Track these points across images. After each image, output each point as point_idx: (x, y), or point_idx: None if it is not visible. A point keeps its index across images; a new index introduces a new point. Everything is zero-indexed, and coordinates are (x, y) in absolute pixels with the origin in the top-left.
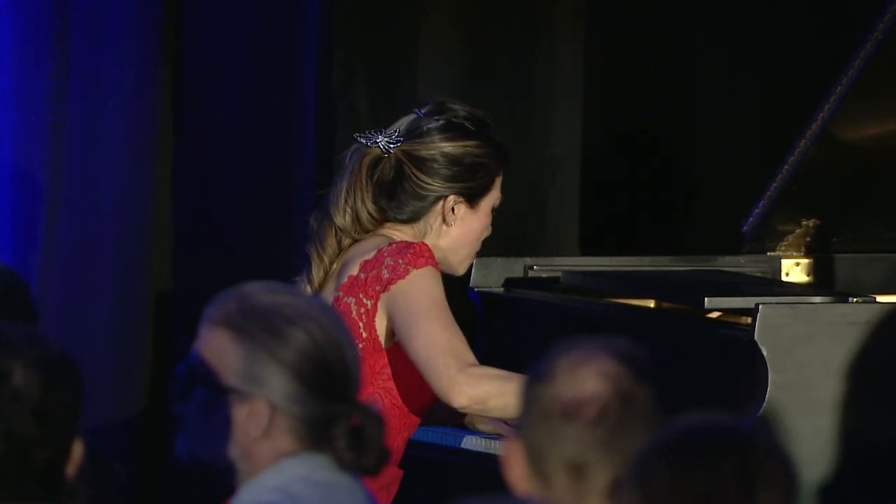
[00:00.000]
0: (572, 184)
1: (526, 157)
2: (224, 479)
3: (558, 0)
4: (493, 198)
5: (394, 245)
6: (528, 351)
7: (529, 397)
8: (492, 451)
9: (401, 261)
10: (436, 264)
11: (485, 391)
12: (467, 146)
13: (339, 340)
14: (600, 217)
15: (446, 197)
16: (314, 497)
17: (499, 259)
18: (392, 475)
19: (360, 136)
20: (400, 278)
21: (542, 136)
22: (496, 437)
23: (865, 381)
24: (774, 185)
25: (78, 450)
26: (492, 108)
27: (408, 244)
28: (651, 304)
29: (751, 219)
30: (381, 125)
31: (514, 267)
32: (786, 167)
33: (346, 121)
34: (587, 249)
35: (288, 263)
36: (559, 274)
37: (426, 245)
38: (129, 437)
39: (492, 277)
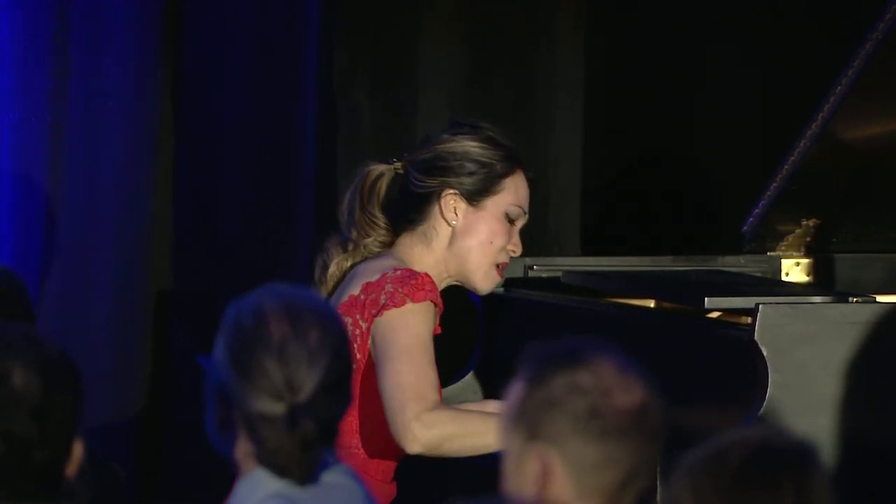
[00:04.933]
0: (572, 184)
1: (526, 157)
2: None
3: (558, 0)
4: (503, 201)
5: (399, 272)
6: None
7: (520, 397)
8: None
9: (401, 290)
10: (436, 298)
11: (438, 436)
12: (465, 144)
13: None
14: (600, 217)
15: (441, 193)
16: (313, 499)
17: None
18: (387, 492)
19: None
20: (395, 306)
21: (542, 136)
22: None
23: (865, 381)
24: (774, 185)
25: (78, 450)
26: (492, 108)
27: (412, 274)
28: (651, 304)
29: (751, 219)
30: (381, 125)
31: (514, 267)
32: (786, 167)
33: (346, 121)
34: (587, 249)
35: (288, 263)
36: (559, 274)
37: (429, 277)
38: (129, 437)
39: None
